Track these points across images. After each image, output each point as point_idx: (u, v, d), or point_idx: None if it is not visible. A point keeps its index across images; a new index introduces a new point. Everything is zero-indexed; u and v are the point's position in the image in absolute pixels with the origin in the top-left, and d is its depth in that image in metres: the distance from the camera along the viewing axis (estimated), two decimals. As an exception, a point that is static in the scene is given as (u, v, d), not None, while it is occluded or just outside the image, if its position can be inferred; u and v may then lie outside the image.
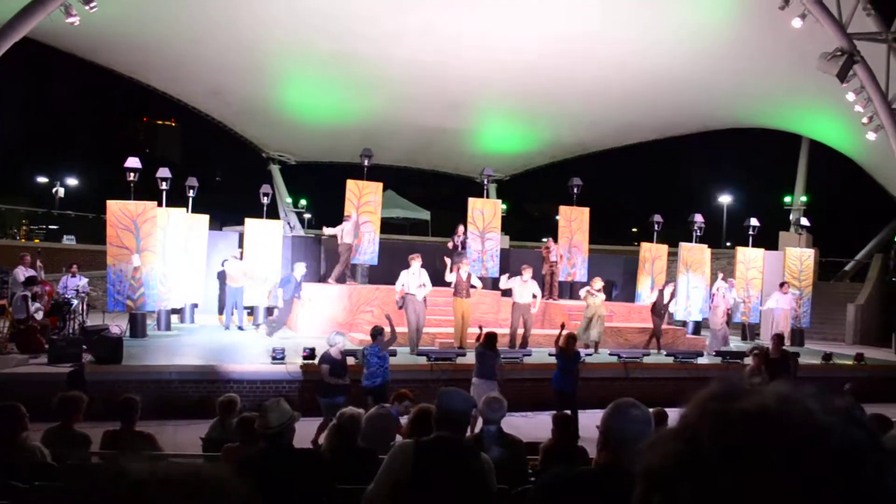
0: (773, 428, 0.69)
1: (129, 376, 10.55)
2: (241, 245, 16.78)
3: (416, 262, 13.49)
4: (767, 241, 21.65)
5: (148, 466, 0.76)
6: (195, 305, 16.87)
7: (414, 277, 13.34)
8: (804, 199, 27.32)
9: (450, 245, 17.09)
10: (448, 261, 15.34)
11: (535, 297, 14.07)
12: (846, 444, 0.68)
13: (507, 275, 14.69)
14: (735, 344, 16.91)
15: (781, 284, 18.24)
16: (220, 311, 16.81)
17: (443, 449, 3.62)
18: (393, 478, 3.50)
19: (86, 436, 6.03)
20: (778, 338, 11.65)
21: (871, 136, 18.60)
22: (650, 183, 45.05)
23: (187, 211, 16.48)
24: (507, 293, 14.83)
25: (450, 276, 14.24)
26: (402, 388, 8.63)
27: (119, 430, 6.27)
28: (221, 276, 16.54)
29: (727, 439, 0.70)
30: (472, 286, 13.81)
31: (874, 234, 26.98)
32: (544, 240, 24.24)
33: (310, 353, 11.23)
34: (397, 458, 3.58)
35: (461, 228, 17.18)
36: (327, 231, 16.54)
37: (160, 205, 15.25)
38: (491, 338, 10.37)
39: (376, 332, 10.02)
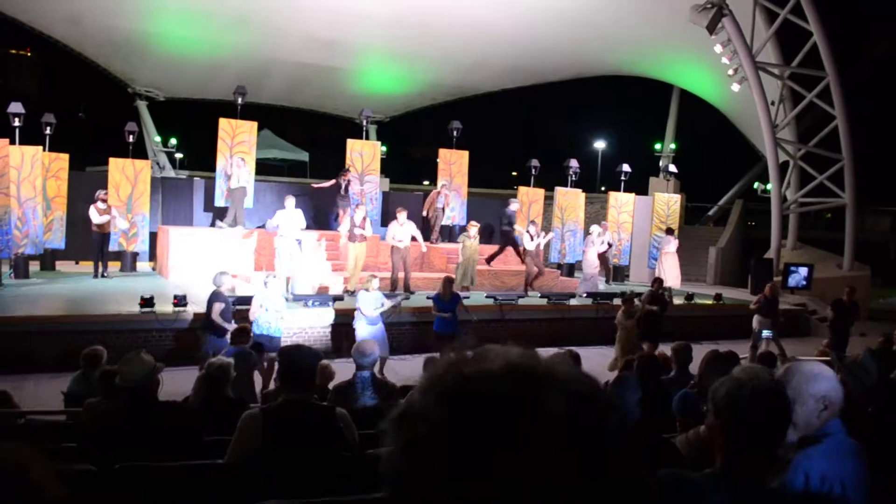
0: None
1: (-18, 327, 9.87)
2: (104, 187, 15.78)
3: (290, 201, 13.42)
4: (638, 186, 22.45)
5: None
6: (57, 250, 15.92)
7: (290, 218, 13.17)
8: (673, 146, 28.49)
9: (333, 184, 16.66)
10: (340, 212, 15.17)
11: (414, 239, 14.07)
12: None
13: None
14: (603, 286, 17.51)
15: (669, 230, 18.07)
16: (89, 258, 15.90)
17: (291, 414, 3.54)
18: (244, 449, 3.42)
19: None
20: (659, 281, 12.81)
21: (736, 87, 19.50)
22: (528, 128, 45.54)
23: (44, 149, 15.39)
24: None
25: (343, 225, 14.10)
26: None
27: (-32, 387, 5.87)
28: (87, 222, 15.61)
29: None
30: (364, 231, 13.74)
31: (736, 181, 28.52)
32: (426, 182, 24.21)
33: (181, 300, 10.87)
34: (247, 429, 3.50)
35: (349, 173, 16.77)
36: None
37: (13, 143, 14.19)
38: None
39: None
